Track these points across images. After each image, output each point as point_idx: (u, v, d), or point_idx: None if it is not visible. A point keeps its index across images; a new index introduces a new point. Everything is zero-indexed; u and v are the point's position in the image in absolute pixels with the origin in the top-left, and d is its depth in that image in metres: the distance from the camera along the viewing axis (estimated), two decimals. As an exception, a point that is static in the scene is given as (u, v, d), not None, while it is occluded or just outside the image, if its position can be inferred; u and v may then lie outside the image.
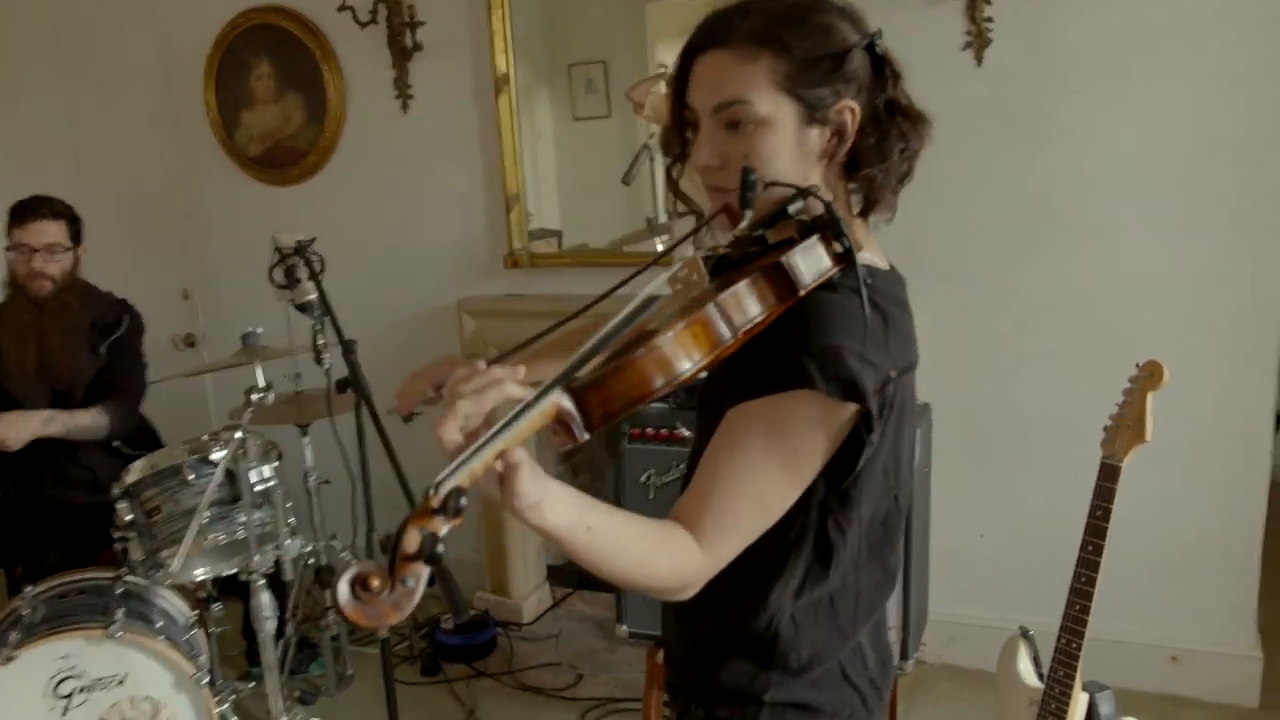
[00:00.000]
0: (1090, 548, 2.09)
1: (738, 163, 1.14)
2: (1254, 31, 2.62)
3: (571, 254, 3.47)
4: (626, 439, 2.44)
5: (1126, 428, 2.07)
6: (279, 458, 2.80)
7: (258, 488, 2.66)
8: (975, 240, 2.94)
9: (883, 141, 1.17)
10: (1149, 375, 2.04)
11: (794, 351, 1.08)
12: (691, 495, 1.12)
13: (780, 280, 1.07)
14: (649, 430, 2.43)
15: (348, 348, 2.05)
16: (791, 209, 1.13)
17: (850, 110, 1.16)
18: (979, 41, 2.84)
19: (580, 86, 3.18)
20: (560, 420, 0.95)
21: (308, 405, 2.94)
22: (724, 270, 1.12)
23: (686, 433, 2.39)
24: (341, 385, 2.02)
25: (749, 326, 1.04)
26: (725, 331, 1.03)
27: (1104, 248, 2.82)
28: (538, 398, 0.93)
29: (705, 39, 1.17)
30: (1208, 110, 2.69)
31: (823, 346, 1.08)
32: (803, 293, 1.07)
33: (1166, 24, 2.68)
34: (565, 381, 0.96)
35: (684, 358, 1.00)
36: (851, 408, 1.10)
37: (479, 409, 0.90)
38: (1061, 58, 2.79)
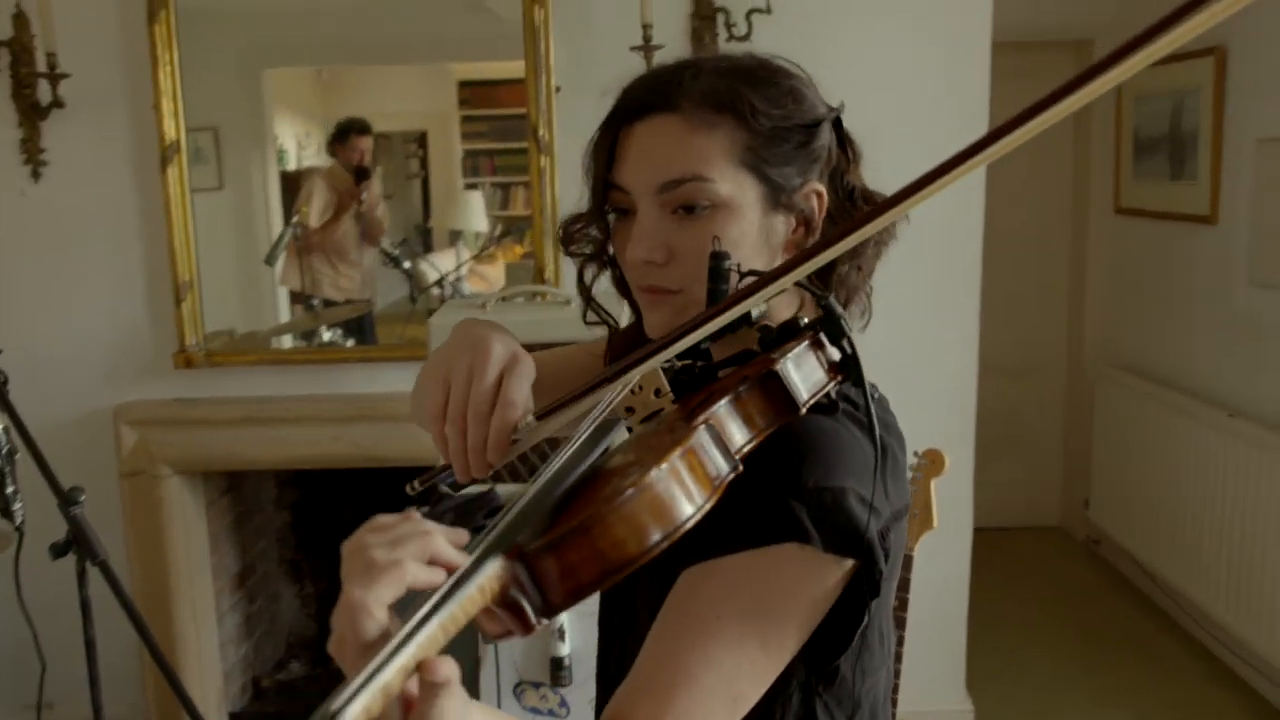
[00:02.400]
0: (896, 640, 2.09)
1: (688, 256, 0.92)
2: (948, 138, 2.86)
3: (263, 350, 3.03)
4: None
5: (914, 517, 2.10)
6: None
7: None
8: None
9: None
10: (930, 463, 2.09)
11: (779, 494, 0.85)
12: (640, 692, 0.83)
13: (775, 394, 0.83)
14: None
15: (68, 498, 1.55)
16: (755, 311, 0.85)
17: (818, 194, 0.98)
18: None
19: (188, 154, 2.82)
20: (506, 602, 0.68)
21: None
22: (680, 389, 0.87)
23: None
24: (60, 549, 1.53)
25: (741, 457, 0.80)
26: (722, 463, 0.77)
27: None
28: (472, 567, 0.66)
29: (646, 102, 0.94)
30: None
31: (817, 488, 0.86)
32: (802, 411, 0.84)
33: (868, 122, 2.85)
34: (507, 545, 0.68)
35: (684, 499, 0.72)
36: (848, 565, 0.88)
37: (394, 580, 0.63)
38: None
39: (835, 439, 0.90)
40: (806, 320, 0.89)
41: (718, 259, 0.87)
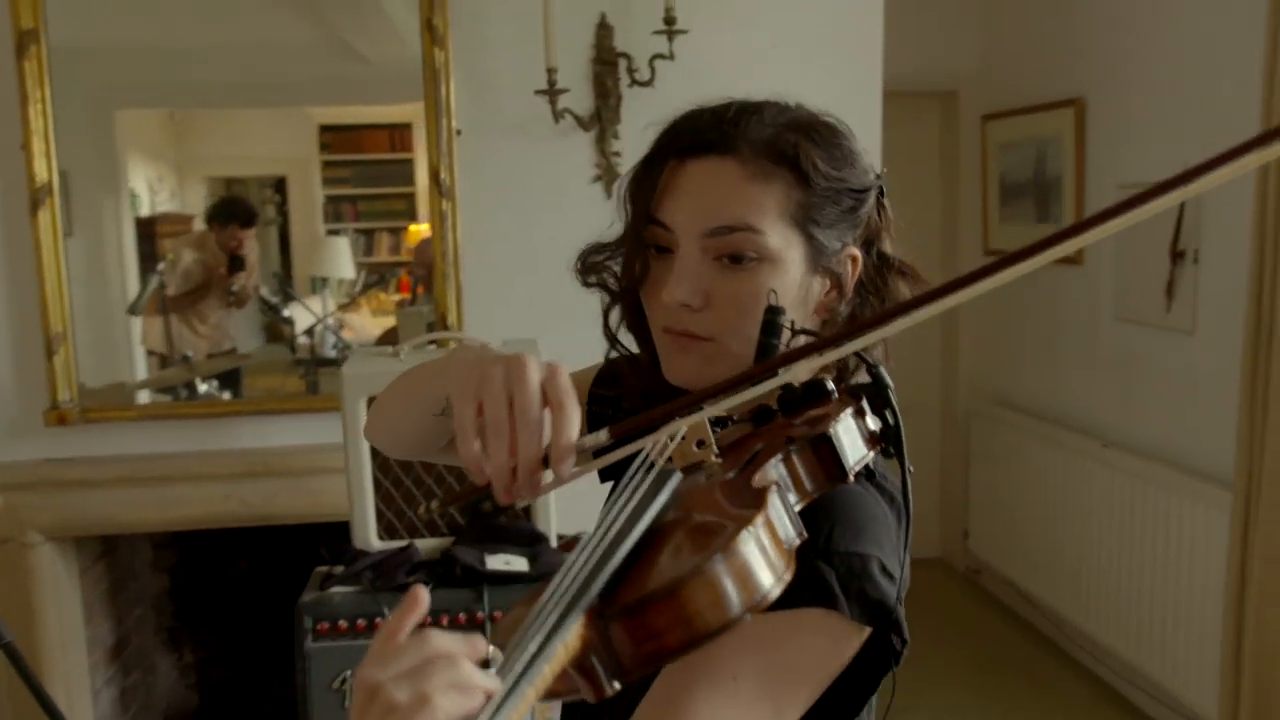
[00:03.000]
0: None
1: (725, 306, 0.90)
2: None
3: (144, 405, 2.85)
4: (311, 635, 1.97)
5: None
6: None
7: None
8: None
9: (883, 301, 0.97)
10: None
11: (807, 557, 0.79)
12: None
13: (826, 459, 0.79)
14: (341, 623, 1.99)
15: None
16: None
17: (853, 260, 0.96)
18: (609, 175, 2.84)
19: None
20: (582, 664, 0.64)
21: None
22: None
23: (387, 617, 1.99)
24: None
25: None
26: (790, 528, 0.72)
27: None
28: (557, 624, 0.61)
29: (702, 141, 0.90)
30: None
31: (847, 553, 0.83)
32: (850, 479, 0.80)
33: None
34: (587, 604, 0.64)
35: (766, 567, 0.68)
36: (866, 633, 0.85)
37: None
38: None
39: (864, 505, 0.88)
40: (830, 383, 0.85)
41: (773, 313, 0.85)
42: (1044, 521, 3.94)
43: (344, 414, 2.18)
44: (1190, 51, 3.24)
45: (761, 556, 0.68)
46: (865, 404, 0.83)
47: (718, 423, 0.85)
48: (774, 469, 0.76)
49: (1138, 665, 3.40)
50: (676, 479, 0.75)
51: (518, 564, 2.13)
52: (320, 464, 2.62)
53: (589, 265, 1.03)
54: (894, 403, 0.83)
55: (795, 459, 0.78)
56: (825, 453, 0.79)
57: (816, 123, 0.94)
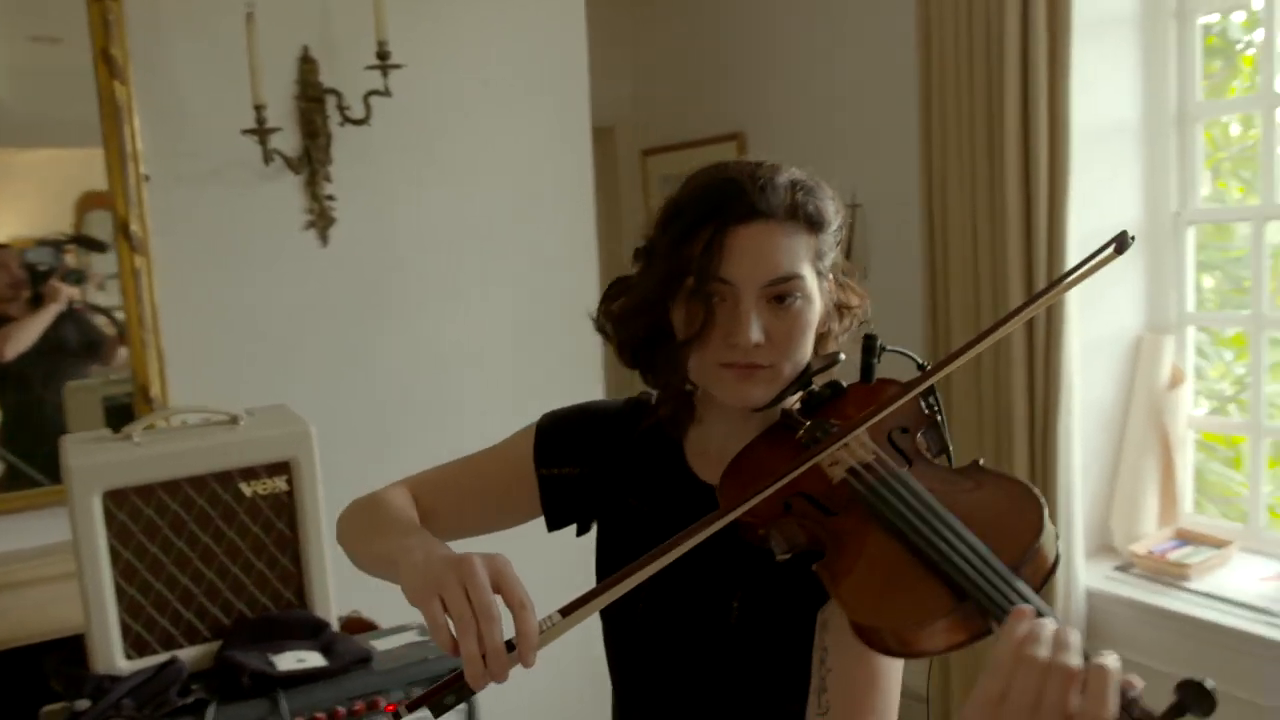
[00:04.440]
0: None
1: (781, 339, 1.08)
2: (559, 222, 2.93)
3: None
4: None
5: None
6: None
7: None
8: (334, 435, 2.67)
9: (849, 309, 1.17)
10: None
11: None
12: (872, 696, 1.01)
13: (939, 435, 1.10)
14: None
15: None
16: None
17: (829, 283, 1.14)
18: (322, 221, 2.62)
19: None
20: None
21: None
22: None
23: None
24: None
25: None
26: None
27: (462, 422, 2.81)
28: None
29: (746, 208, 1.06)
30: (533, 286, 2.90)
31: None
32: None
33: (487, 209, 2.84)
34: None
35: None
36: None
37: None
38: (404, 237, 2.74)
39: None
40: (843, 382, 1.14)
41: (870, 340, 1.10)
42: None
43: (73, 511, 1.82)
44: (844, 84, 3.56)
45: None
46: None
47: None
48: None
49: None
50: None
51: (313, 659, 1.88)
52: (39, 573, 2.18)
53: (623, 322, 1.16)
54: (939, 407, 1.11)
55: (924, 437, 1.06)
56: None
57: (809, 182, 1.11)
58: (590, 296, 2.97)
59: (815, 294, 1.09)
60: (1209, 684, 0.71)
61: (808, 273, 1.08)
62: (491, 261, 2.85)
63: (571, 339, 2.94)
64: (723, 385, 1.10)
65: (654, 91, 4.54)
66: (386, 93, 2.52)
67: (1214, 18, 2.94)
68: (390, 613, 2.22)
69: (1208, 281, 3.07)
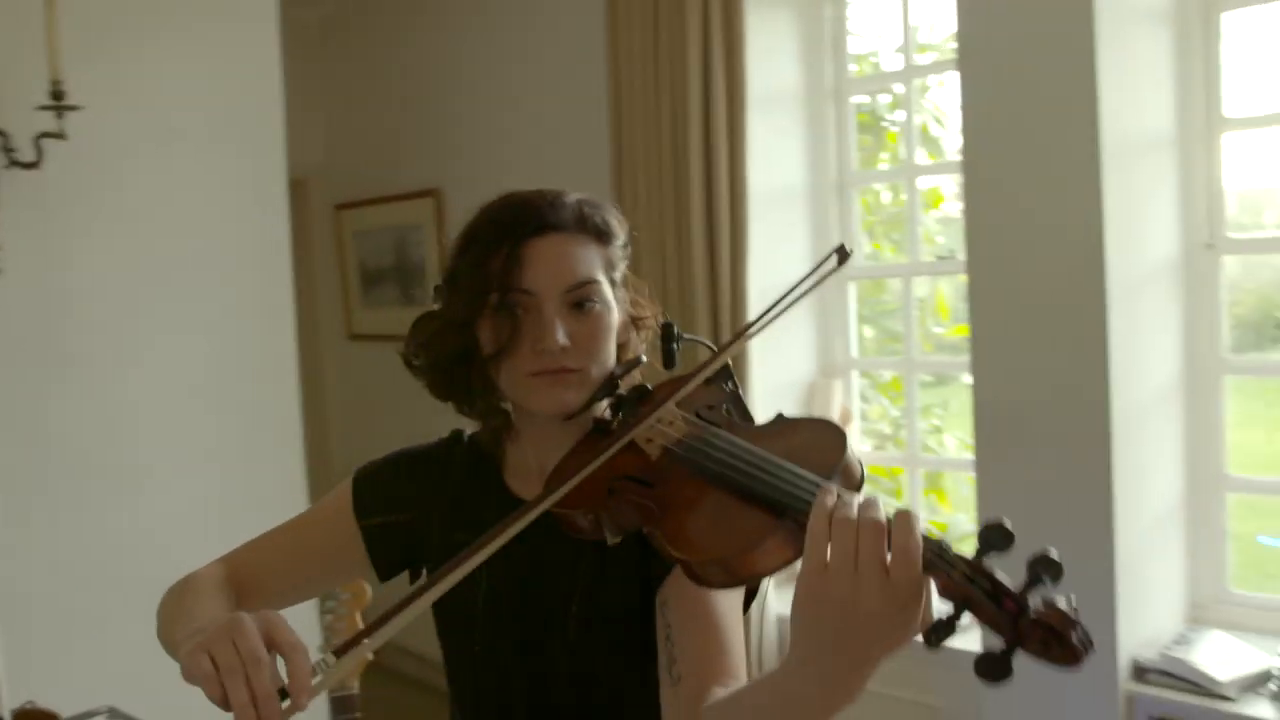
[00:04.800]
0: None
1: (585, 342, 1.13)
2: (252, 275, 2.84)
3: None
4: None
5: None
6: None
7: None
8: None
9: (643, 321, 1.24)
10: (354, 596, 2.09)
11: None
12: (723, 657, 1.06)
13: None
14: None
15: None
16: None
17: (624, 293, 1.22)
18: None
19: None
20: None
21: None
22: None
23: None
24: None
25: None
26: None
27: (149, 487, 2.64)
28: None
29: (537, 223, 1.12)
30: (225, 342, 2.78)
31: None
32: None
33: (173, 261, 2.70)
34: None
35: None
36: None
37: None
38: (81, 289, 2.55)
39: None
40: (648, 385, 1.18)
41: (668, 327, 1.17)
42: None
43: None
44: (538, 142, 3.69)
45: None
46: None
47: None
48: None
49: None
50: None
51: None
52: None
53: (430, 347, 1.17)
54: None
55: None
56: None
57: (594, 200, 1.20)
58: (287, 353, 2.92)
59: (612, 301, 1.16)
60: (1007, 523, 0.77)
61: (602, 279, 1.14)
62: (178, 316, 2.71)
63: (269, 398, 2.85)
64: (536, 393, 1.13)
65: (348, 144, 4.49)
66: (61, 135, 2.36)
67: (865, 98, 3.33)
68: (74, 698, 2.05)
69: (868, 332, 3.43)
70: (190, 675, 0.89)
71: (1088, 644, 0.75)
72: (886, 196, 3.43)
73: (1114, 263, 2.31)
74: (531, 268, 1.11)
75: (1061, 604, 0.75)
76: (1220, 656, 2.37)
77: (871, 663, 0.81)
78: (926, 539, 0.79)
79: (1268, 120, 2.49)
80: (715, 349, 1.12)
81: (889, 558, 0.77)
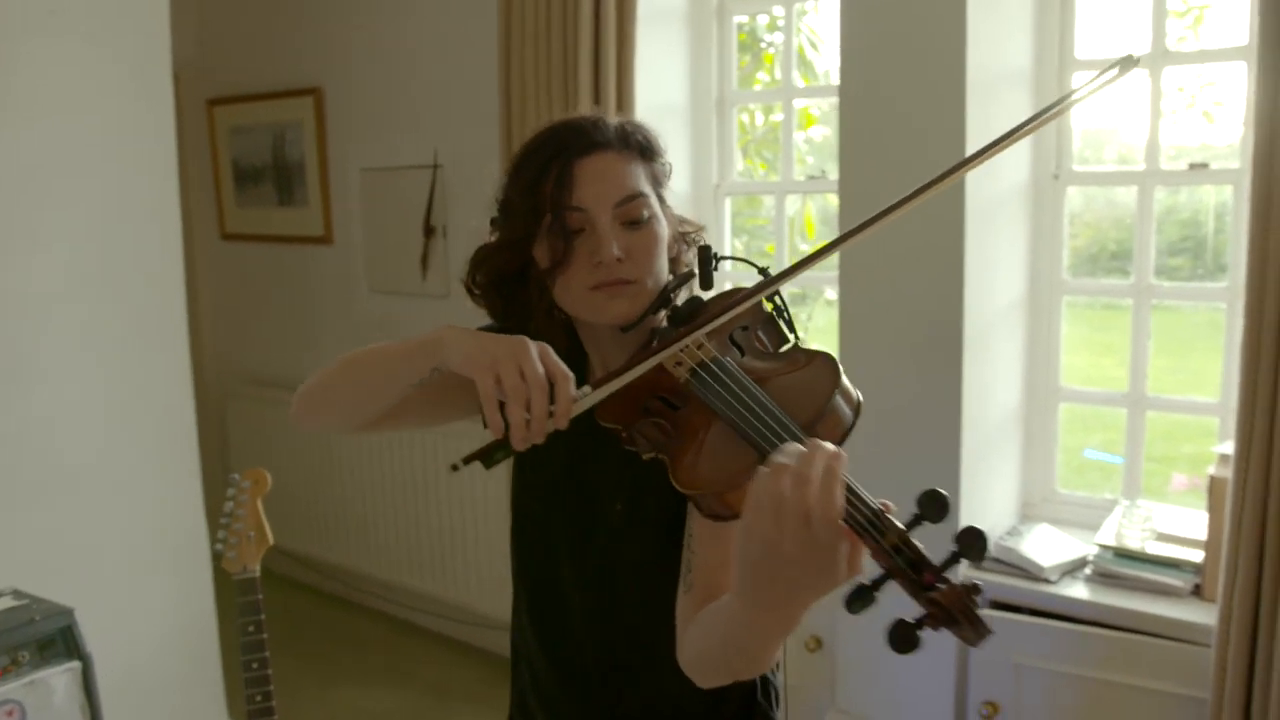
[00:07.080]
0: (255, 664, 2.09)
1: (640, 255, 1.19)
2: (134, 168, 2.79)
3: None
4: None
5: (249, 538, 2.13)
6: None
7: None
8: None
9: (690, 236, 1.31)
10: (254, 483, 2.16)
11: None
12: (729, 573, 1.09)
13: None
14: None
15: None
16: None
17: (669, 211, 1.29)
18: None
19: None
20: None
21: None
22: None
23: None
24: None
25: None
26: None
27: (37, 381, 2.61)
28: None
29: (585, 142, 1.19)
30: (106, 237, 2.75)
31: None
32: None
33: (49, 150, 2.63)
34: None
35: None
36: None
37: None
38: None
39: None
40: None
41: (706, 250, 1.23)
42: (320, 489, 4.15)
43: None
44: (426, 44, 3.66)
45: None
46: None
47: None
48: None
49: (428, 592, 3.86)
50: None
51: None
52: None
53: (488, 268, 1.26)
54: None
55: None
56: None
57: (636, 120, 1.28)
58: (173, 251, 2.88)
59: (660, 214, 1.23)
60: (944, 494, 0.83)
61: (650, 192, 1.22)
62: (60, 209, 2.64)
63: (154, 295, 2.83)
64: (594, 306, 1.20)
65: (222, 37, 4.34)
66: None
67: (744, 18, 3.44)
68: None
69: (738, 245, 3.60)
70: (475, 373, 1.03)
71: (985, 631, 0.83)
72: (760, 118, 3.57)
73: (971, 187, 2.51)
74: (582, 185, 1.17)
75: (974, 589, 0.83)
76: (1045, 546, 2.67)
77: (799, 604, 0.88)
78: (862, 503, 0.85)
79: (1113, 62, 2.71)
80: (765, 270, 1.18)
81: (813, 510, 0.82)
